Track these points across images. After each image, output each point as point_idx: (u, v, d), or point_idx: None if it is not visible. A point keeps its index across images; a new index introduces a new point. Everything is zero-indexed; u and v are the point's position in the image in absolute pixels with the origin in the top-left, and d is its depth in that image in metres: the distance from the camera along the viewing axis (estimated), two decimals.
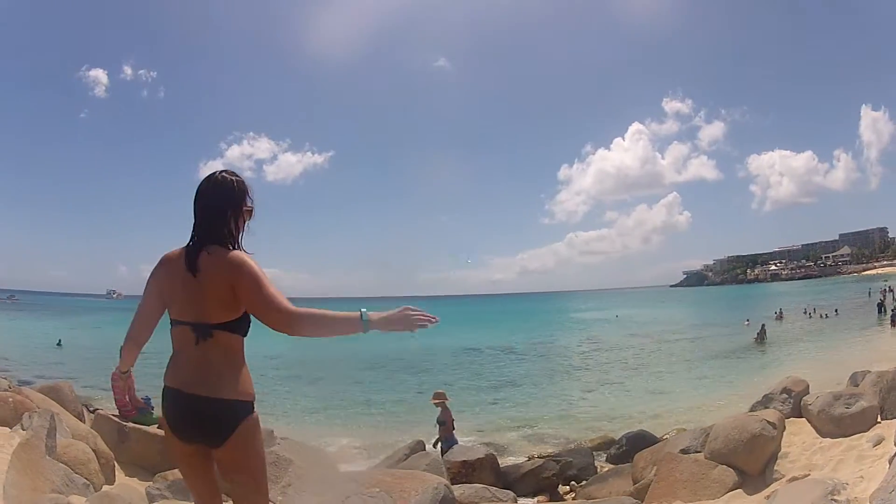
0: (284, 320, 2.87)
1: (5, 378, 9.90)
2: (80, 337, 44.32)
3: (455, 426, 12.10)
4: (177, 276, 3.03)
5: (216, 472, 3.16)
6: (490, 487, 8.15)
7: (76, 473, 6.06)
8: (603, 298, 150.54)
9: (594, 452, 13.07)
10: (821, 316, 44.01)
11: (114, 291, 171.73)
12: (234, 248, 3.08)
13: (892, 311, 32.03)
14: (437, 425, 11.96)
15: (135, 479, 7.90)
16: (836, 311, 44.47)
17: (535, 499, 10.08)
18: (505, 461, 12.20)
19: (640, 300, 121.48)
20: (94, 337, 45.72)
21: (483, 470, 10.07)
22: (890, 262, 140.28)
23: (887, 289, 47.92)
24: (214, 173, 3.17)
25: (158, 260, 3.18)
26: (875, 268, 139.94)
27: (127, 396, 9.08)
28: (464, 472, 9.78)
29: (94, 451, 7.07)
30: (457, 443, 11.68)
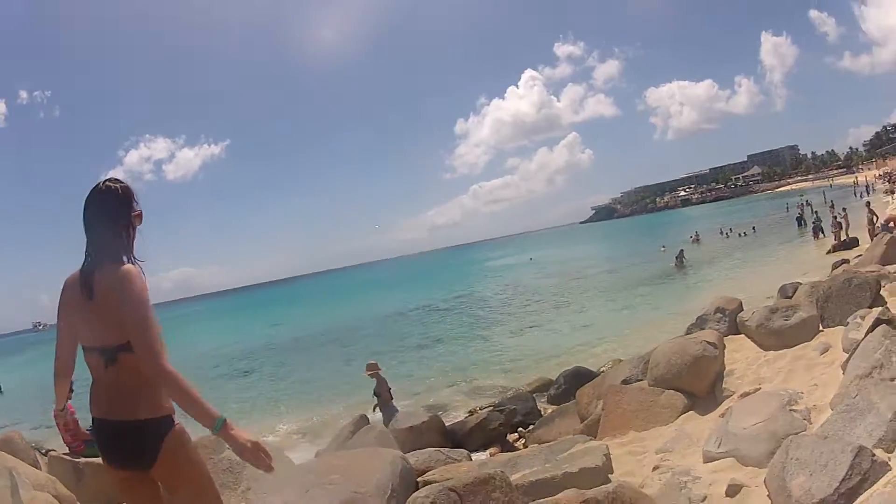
0: (154, 372, 2.71)
1: None
2: (17, 378, 42.57)
3: (392, 395, 11.88)
4: (76, 300, 2.93)
5: (162, 493, 3.04)
6: (442, 449, 7.97)
7: None
8: (514, 244, 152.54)
9: (534, 396, 13.09)
10: (739, 235, 44.62)
11: (39, 323, 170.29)
12: (126, 261, 2.93)
13: (813, 222, 32.45)
14: (374, 397, 11.75)
15: None
16: (753, 228, 45.47)
17: (488, 452, 10.01)
18: (448, 419, 12.13)
19: (552, 240, 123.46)
20: (30, 374, 44.23)
21: (430, 433, 10.05)
22: (804, 178, 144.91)
23: (805, 202, 49.22)
24: (98, 184, 3.03)
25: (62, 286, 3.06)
26: (788, 184, 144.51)
27: (68, 433, 8.79)
28: (412, 438, 9.67)
29: (55, 496, 6.77)
30: (397, 411, 11.54)
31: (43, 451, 11.17)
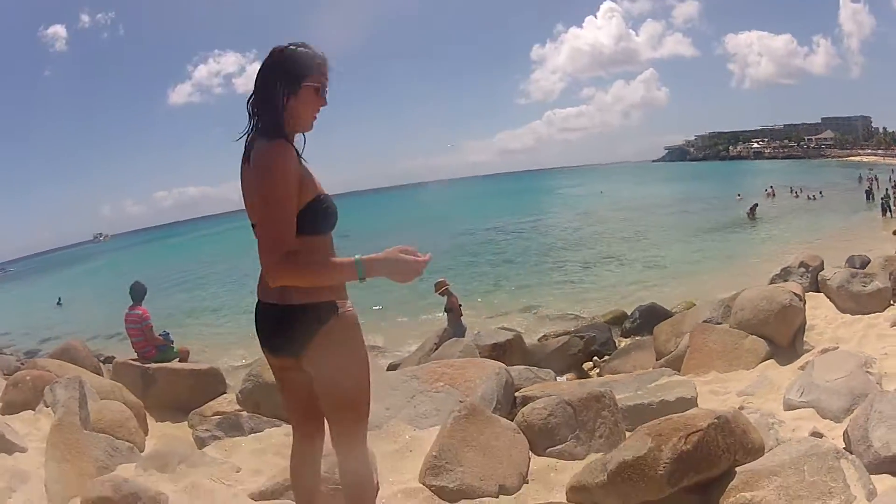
0: (265, 270, 2.37)
1: (12, 355, 9.21)
2: (77, 289, 42.99)
3: (462, 311, 11.87)
4: (242, 171, 2.57)
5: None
6: (531, 368, 8.06)
7: (118, 439, 5.48)
8: (586, 175, 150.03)
9: (609, 327, 13.01)
10: (808, 197, 43.19)
11: (100, 234, 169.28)
12: (273, 138, 2.43)
13: (882, 199, 31.75)
14: (445, 313, 11.78)
15: (167, 422, 7.54)
16: (820, 192, 43.75)
17: (566, 376, 10.02)
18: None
19: (624, 175, 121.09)
20: (90, 286, 45.17)
21: (513, 352, 9.98)
22: (874, 152, 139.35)
23: (874, 177, 47.74)
24: (278, 46, 2.55)
25: None
26: (859, 155, 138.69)
27: (141, 338, 8.82)
28: (494, 355, 9.43)
29: (123, 403, 6.53)
30: (465, 328, 11.55)
31: (102, 358, 11.45)
